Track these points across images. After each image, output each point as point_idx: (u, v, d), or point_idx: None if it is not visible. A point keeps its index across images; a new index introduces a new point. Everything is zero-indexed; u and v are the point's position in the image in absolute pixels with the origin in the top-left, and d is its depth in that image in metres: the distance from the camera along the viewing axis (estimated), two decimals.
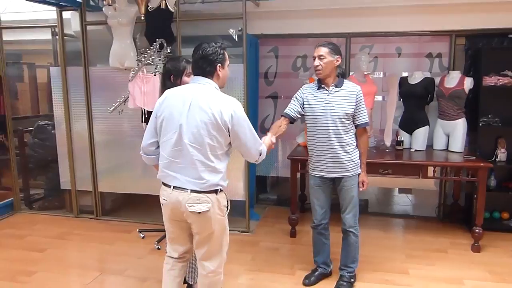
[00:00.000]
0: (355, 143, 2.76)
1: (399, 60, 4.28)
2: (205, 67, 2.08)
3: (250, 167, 4.25)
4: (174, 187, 2.11)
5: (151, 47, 3.37)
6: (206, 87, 2.09)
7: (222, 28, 3.84)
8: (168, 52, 3.45)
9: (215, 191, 2.11)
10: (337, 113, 2.65)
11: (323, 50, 2.62)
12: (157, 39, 3.46)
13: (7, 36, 4.41)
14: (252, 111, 4.30)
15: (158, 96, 2.35)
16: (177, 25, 3.80)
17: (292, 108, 2.84)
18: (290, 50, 4.48)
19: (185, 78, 2.48)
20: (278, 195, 4.94)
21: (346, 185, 2.77)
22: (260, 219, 4.30)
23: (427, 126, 3.92)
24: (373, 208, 4.77)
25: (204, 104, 2.03)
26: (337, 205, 2.88)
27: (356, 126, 2.74)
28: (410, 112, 3.97)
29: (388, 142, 3.95)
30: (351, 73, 4.19)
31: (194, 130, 2.03)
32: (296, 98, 2.85)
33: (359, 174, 2.79)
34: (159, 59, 3.37)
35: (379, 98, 4.33)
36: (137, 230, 3.91)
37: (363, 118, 2.72)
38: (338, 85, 2.68)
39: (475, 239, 3.44)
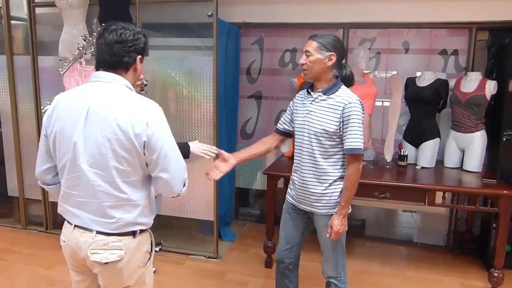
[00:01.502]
0: (338, 174, 2.01)
1: (406, 57, 3.57)
2: (121, 57, 1.47)
3: (227, 177, 3.62)
4: (75, 225, 1.52)
5: (94, 34, 2.73)
6: (111, 86, 1.47)
7: (191, 14, 3.19)
8: None
9: (132, 233, 1.50)
10: (314, 128, 1.98)
11: (311, 45, 1.96)
12: (102, 24, 2.82)
13: None
14: (230, 113, 3.66)
15: None
16: (136, 8, 3.17)
17: (282, 120, 2.24)
18: (278, 43, 3.79)
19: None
20: (261, 210, 4.27)
21: (318, 224, 2.11)
22: (235, 240, 3.66)
23: (438, 139, 3.22)
24: (370, 230, 4.08)
25: (107, 112, 1.41)
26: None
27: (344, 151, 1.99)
28: (417, 121, 3.27)
29: (389, 156, 3.25)
30: None
31: (93, 149, 1.43)
32: (289, 106, 2.23)
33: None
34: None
35: (383, 102, 3.64)
36: None
37: (353, 142, 1.91)
38: (327, 92, 1.97)
39: (493, 285, 2.74)
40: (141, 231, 1.53)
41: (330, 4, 3.41)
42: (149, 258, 1.60)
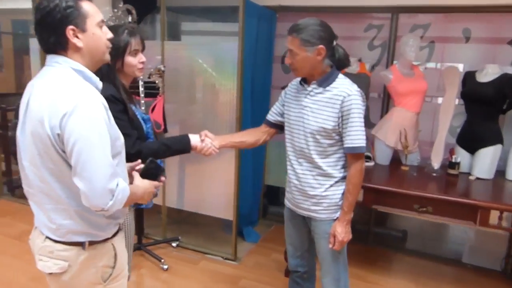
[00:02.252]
0: (340, 175, 1.79)
1: (467, 47, 3.03)
2: (47, 37, 1.20)
3: (254, 174, 3.36)
4: (35, 226, 1.35)
5: (110, 15, 2.54)
6: (53, 70, 1.22)
7: None
8: (132, 22, 2.60)
9: (81, 244, 1.27)
10: (310, 126, 1.74)
11: (293, 42, 1.68)
12: (124, 4, 2.64)
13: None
14: (259, 105, 3.36)
15: None
16: None
17: (274, 110, 1.99)
18: None
19: (129, 59, 1.69)
20: None
21: (317, 232, 1.86)
22: (258, 242, 3.39)
23: (499, 145, 2.70)
24: (413, 243, 3.61)
25: (34, 102, 1.19)
26: None
27: (344, 150, 1.75)
28: (475, 123, 2.76)
29: (437, 163, 2.78)
30: (394, 62, 3.08)
31: (28, 145, 1.22)
32: (280, 96, 1.97)
33: (335, 219, 1.81)
34: None
35: (432, 99, 3.17)
36: None
37: (354, 139, 1.69)
38: (323, 83, 1.72)
39: None
40: (93, 242, 1.29)
41: None
42: (111, 274, 1.35)
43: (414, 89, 2.81)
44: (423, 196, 2.36)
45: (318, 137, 1.72)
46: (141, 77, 2.49)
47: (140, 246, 3.05)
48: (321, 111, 1.71)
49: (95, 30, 1.24)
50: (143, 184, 1.37)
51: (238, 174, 2.92)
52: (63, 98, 1.14)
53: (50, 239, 1.28)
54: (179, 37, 3.69)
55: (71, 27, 1.18)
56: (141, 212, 3.04)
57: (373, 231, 3.51)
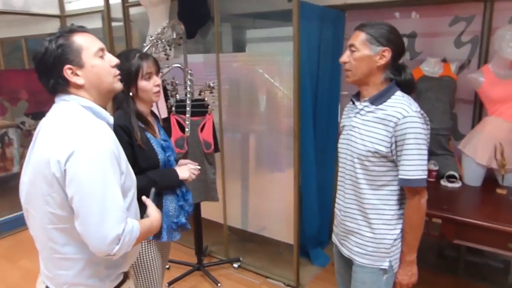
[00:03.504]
0: (393, 213, 1.49)
1: None
2: (46, 81, 1.14)
3: (320, 192, 3.08)
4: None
5: (157, 33, 2.46)
6: (62, 108, 1.15)
7: (275, 1, 2.69)
8: (177, 38, 2.50)
9: None
10: (357, 149, 1.48)
11: (358, 37, 1.47)
12: (171, 21, 2.55)
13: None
14: (326, 112, 3.06)
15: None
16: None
17: None
18: None
19: (143, 83, 1.62)
20: None
21: (355, 278, 1.57)
22: (326, 266, 3.09)
23: None
24: None
25: (41, 143, 1.12)
26: None
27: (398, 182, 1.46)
28: None
29: None
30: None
31: (28, 186, 1.15)
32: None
33: (387, 269, 1.51)
34: (157, 50, 2.43)
35: None
36: None
37: (411, 169, 1.39)
38: (376, 101, 1.46)
39: None
40: None
41: None
42: None
43: (510, 94, 2.26)
44: None
45: (367, 163, 1.45)
46: (188, 95, 2.38)
47: (199, 266, 2.97)
48: (370, 133, 1.45)
49: (94, 62, 1.15)
50: (158, 213, 1.31)
51: (298, 196, 2.66)
52: (72, 136, 1.07)
53: None
54: (244, 46, 3.57)
55: (67, 66, 1.12)
56: (200, 232, 2.95)
57: (466, 260, 2.94)
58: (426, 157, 1.41)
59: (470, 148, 2.42)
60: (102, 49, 1.18)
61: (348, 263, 1.63)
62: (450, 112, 2.59)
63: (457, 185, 2.44)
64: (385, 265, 1.50)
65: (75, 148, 1.05)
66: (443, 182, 2.47)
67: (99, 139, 1.08)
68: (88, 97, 1.16)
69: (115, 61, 1.22)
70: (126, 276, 1.29)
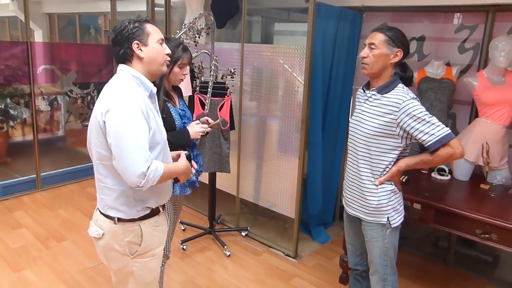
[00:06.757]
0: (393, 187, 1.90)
1: None
2: (118, 50, 1.54)
3: (325, 174, 3.38)
4: None
5: (187, 23, 2.84)
6: (118, 76, 1.56)
7: None
8: (206, 28, 2.87)
9: (111, 218, 1.57)
10: (367, 127, 1.84)
11: (378, 37, 1.81)
12: (204, 12, 2.92)
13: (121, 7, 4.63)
14: (336, 110, 3.36)
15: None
16: None
17: None
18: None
19: (176, 70, 2.02)
20: None
21: (366, 235, 1.97)
22: (326, 243, 3.40)
23: None
24: (506, 272, 3.15)
25: (99, 100, 1.53)
26: None
27: (429, 149, 1.76)
28: None
29: None
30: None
31: (89, 129, 1.57)
32: None
33: (385, 223, 1.89)
34: (188, 37, 2.81)
35: None
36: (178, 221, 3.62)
37: (435, 132, 1.71)
38: (382, 90, 1.82)
39: None
40: (121, 219, 1.55)
41: None
42: (137, 250, 1.60)
43: (503, 99, 2.48)
44: (486, 222, 2.10)
45: (372, 140, 1.81)
46: (212, 78, 2.75)
47: (211, 231, 3.36)
48: (375, 116, 1.80)
49: (155, 45, 1.54)
50: (186, 164, 1.65)
51: (301, 175, 2.98)
52: (110, 96, 1.46)
53: (98, 209, 1.61)
54: (272, 38, 3.88)
55: (136, 41, 1.50)
56: (214, 201, 3.33)
57: (457, 251, 3.16)
58: (436, 119, 1.71)
59: None
60: (162, 39, 1.57)
61: (359, 221, 1.98)
62: (447, 112, 2.82)
63: (446, 178, 2.69)
64: (384, 220, 1.87)
65: (111, 105, 1.42)
66: (434, 175, 2.73)
67: (130, 100, 1.45)
68: (141, 69, 1.54)
69: (168, 51, 1.61)
70: (155, 212, 1.65)
